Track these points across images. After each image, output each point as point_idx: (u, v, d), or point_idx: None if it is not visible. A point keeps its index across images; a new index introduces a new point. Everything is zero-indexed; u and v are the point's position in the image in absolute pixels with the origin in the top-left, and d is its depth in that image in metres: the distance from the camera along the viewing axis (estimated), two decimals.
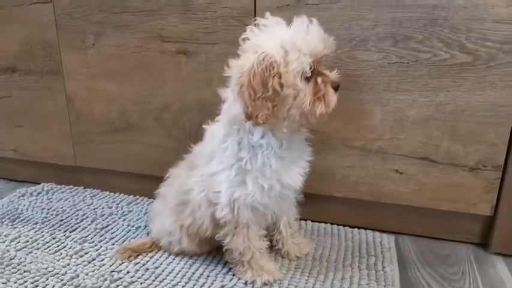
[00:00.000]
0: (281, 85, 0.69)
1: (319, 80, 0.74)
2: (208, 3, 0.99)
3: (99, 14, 1.09)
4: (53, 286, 0.83)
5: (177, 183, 0.89)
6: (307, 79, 0.72)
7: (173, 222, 0.89)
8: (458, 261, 0.94)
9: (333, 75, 0.76)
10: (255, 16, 0.96)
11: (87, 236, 1.02)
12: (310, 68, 0.71)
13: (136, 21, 1.06)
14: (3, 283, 0.84)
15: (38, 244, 0.99)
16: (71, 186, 1.31)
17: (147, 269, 0.89)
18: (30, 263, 0.91)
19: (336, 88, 0.75)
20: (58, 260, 0.92)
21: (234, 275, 0.87)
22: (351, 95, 0.94)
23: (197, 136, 1.09)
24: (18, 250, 0.96)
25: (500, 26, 0.83)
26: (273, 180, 0.78)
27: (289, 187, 0.81)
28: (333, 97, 0.74)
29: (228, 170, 0.78)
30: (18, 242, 0.99)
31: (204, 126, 0.85)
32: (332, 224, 1.07)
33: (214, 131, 0.82)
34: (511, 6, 0.81)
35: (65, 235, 1.03)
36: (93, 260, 0.93)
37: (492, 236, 0.97)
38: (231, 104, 0.76)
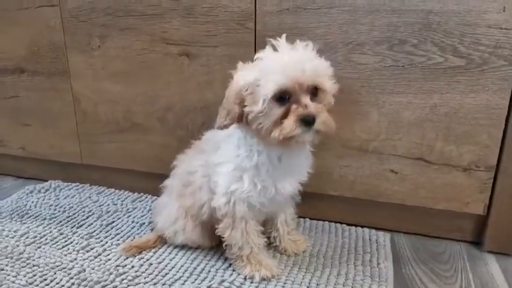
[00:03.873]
0: (241, 105, 0.75)
1: (293, 107, 0.72)
2: (210, 8, 1.02)
3: (104, 17, 1.12)
4: (61, 280, 0.87)
5: (184, 164, 0.94)
6: (281, 103, 0.73)
7: (179, 207, 0.93)
8: (451, 259, 0.97)
9: (310, 107, 0.72)
10: (255, 20, 0.99)
11: (93, 232, 1.06)
12: (277, 92, 0.71)
13: (140, 24, 1.09)
14: (13, 276, 0.88)
15: (46, 239, 1.02)
16: (78, 183, 1.35)
17: (151, 264, 0.92)
18: (39, 257, 0.94)
19: (305, 122, 0.71)
20: (65, 255, 0.96)
21: (234, 270, 0.90)
22: (348, 97, 0.96)
23: (199, 136, 1.12)
24: (27, 245, 0.99)
25: (492, 31, 0.85)
26: (268, 183, 0.81)
27: (283, 194, 0.84)
28: (290, 127, 0.71)
29: (228, 163, 0.82)
30: (27, 238, 1.03)
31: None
32: (329, 221, 1.10)
33: None
34: (503, 12, 0.83)
35: (72, 231, 1.06)
36: (99, 255, 0.96)
37: (485, 235, 0.99)
38: None
